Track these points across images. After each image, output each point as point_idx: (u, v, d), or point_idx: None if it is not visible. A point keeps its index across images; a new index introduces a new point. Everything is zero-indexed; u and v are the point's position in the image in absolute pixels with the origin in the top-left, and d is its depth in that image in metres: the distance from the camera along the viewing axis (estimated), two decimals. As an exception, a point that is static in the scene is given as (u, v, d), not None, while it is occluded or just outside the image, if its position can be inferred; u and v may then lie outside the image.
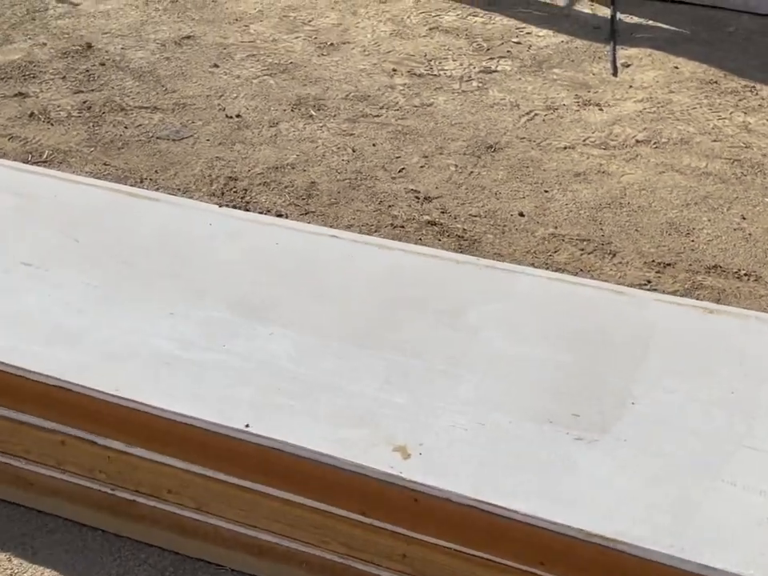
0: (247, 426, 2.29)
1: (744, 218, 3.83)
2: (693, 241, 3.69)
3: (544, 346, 2.52)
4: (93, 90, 4.69)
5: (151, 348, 2.54)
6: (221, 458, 2.33)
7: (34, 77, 4.80)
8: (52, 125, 4.42)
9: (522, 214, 3.84)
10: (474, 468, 2.18)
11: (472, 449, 2.23)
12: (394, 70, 4.92)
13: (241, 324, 2.63)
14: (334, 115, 4.52)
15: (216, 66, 4.95)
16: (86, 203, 3.15)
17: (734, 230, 3.77)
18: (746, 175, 4.08)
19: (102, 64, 4.90)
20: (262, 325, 2.63)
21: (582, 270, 3.52)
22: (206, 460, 2.35)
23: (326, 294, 2.76)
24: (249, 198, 3.92)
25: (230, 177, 4.05)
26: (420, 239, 3.66)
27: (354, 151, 4.25)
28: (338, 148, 4.27)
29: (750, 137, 4.35)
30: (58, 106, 4.56)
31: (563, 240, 3.69)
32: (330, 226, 3.70)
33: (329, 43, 5.18)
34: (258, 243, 2.98)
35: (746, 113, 4.53)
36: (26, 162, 4.09)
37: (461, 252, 3.57)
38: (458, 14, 5.47)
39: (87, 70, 4.85)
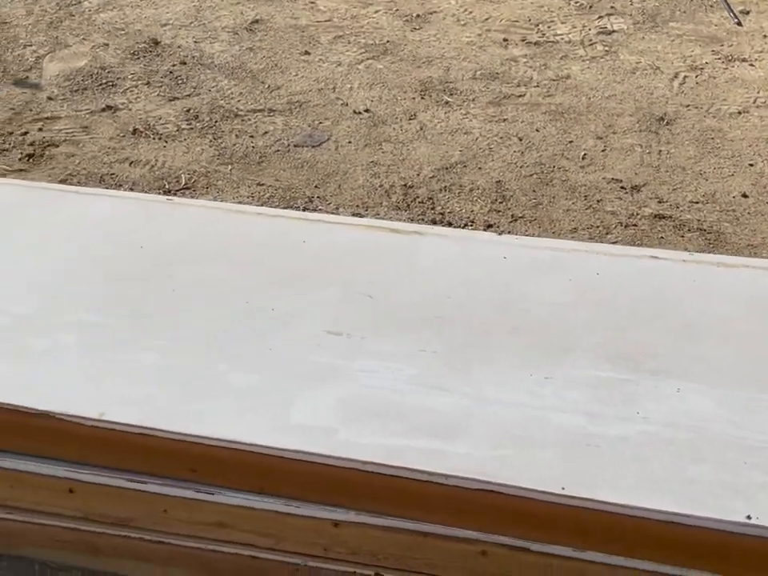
0: (749, 517, 1.98)
1: None
2: None
3: None
4: (189, 96, 4.23)
5: (557, 427, 2.19)
6: (711, 556, 2.02)
7: (113, 85, 4.30)
8: (166, 141, 3.96)
9: (745, 195, 3.57)
10: None
11: None
12: (505, 39, 4.58)
13: (635, 382, 2.29)
14: (473, 99, 4.17)
15: (307, 53, 4.53)
16: (340, 247, 2.77)
17: None
18: None
19: (183, 63, 4.43)
20: (659, 380, 2.30)
21: None
22: (690, 559, 2.04)
23: (704, 333, 2.44)
24: (440, 208, 3.56)
25: (404, 185, 3.68)
26: (662, 238, 3.37)
27: (520, 140, 3.91)
28: (501, 138, 3.93)
29: None
30: (160, 118, 4.09)
31: (810, 222, 3.44)
32: (554, 233, 3.39)
33: (414, 15, 4.80)
34: (577, 276, 2.64)
35: None
36: (165, 191, 3.66)
37: (711, 248, 3.31)
38: (536, -31, 5.13)
39: (170, 72, 4.38)
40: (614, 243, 3.33)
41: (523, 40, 4.56)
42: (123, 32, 4.65)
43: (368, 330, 2.49)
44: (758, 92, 4.15)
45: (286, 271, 2.69)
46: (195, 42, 4.58)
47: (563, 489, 2.05)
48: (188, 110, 4.12)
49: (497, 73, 4.33)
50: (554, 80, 4.27)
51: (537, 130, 3.96)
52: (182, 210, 3.02)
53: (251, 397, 2.30)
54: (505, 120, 4.03)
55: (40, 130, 4.02)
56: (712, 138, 3.89)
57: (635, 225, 3.44)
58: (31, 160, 3.86)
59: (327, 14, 4.81)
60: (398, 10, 4.84)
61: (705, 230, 3.42)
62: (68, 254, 2.76)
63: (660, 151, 3.82)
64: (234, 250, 2.79)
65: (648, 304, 2.53)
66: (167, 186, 3.69)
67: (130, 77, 4.34)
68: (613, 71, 4.33)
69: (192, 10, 4.84)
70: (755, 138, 3.88)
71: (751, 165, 3.74)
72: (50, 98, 4.21)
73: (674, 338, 2.43)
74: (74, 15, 4.80)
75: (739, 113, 4.04)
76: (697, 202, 3.56)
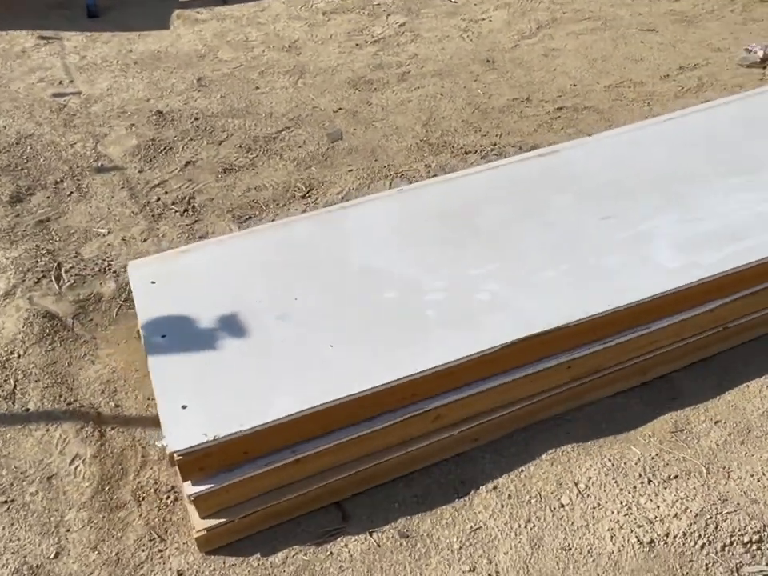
0: None
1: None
2: None
3: None
4: (227, 138, 3.56)
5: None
6: None
7: (171, 148, 3.53)
8: (255, 169, 3.35)
9: (599, 83, 3.78)
10: None
11: None
12: (357, 44, 4.30)
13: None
14: (386, 82, 3.94)
15: (257, 87, 3.97)
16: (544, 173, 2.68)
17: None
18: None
19: (196, 119, 3.69)
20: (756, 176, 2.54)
21: None
22: None
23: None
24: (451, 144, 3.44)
25: (422, 140, 3.49)
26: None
27: (443, 94, 3.80)
28: (429, 97, 3.78)
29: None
30: (229, 157, 3.43)
31: None
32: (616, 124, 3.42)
33: (287, 45, 4.33)
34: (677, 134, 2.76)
35: None
36: (303, 194, 3.20)
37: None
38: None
39: (196, 128, 3.61)
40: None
41: (366, 42, 4.31)
42: (128, 114, 3.77)
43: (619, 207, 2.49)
44: (509, 33, 4.30)
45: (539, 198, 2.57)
46: (184, 104, 3.83)
47: None
48: (240, 146, 3.52)
49: (379, 64, 4.08)
50: (413, 57, 4.11)
51: (465, 87, 3.85)
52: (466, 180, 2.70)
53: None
54: (417, 88, 3.86)
55: (166, 193, 3.27)
56: (544, 57, 3.97)
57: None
58: (187, 213, 3.15)
59: (234, 63, 4.21)
60: (274, 45, 4.33)
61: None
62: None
63: (524, 75, 3.89)
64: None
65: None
66: (303, 190, 3.22)
67: (174, 138, 3.58)
68: (432, 44, 4.23)
69: (151, 85, 4.00)
70: (540, 55, 4.06)
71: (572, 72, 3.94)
72: (140, 171, 3.40)
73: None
74: (75, 114, 3.79)
75: (515, 46, 4.18)
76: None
